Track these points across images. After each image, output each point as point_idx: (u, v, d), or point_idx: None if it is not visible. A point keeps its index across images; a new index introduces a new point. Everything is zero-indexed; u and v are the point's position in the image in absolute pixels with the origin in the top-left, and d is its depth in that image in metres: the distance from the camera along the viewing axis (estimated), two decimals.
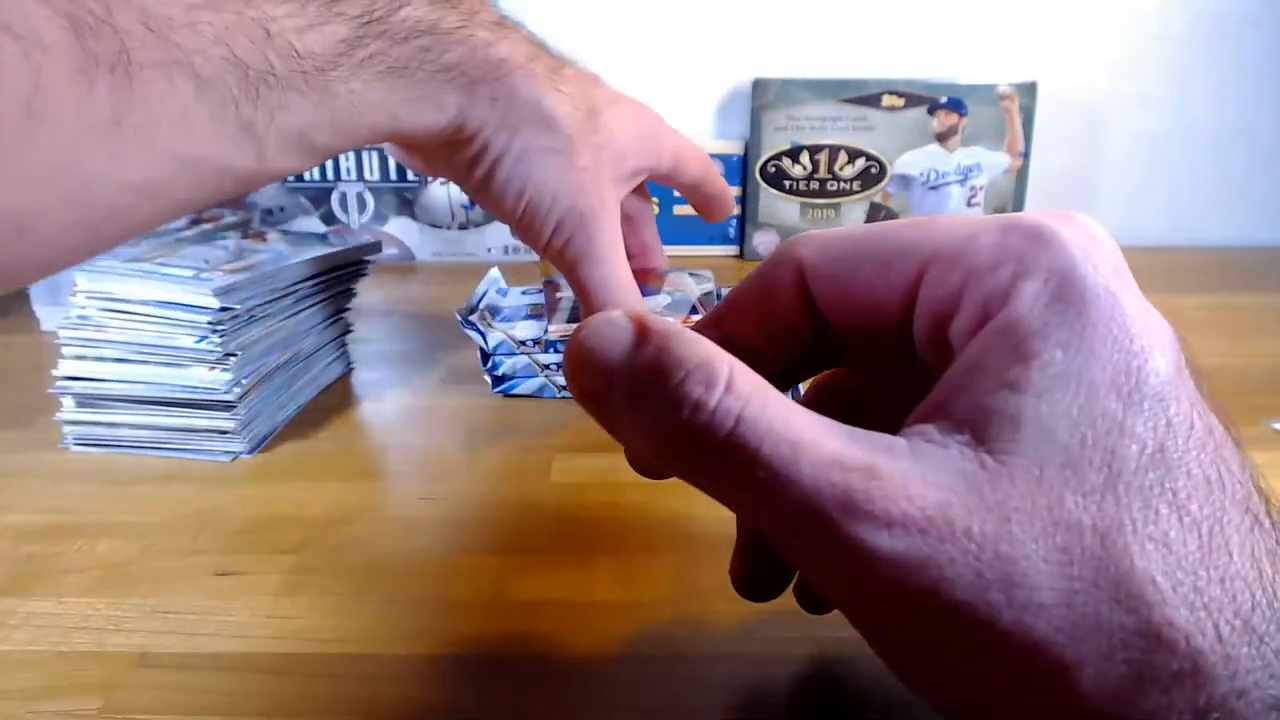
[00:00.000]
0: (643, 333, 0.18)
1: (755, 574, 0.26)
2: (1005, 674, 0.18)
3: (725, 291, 0.52)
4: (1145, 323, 0.20)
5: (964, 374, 0.20)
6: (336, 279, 0.49)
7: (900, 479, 0.18)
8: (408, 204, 0.78)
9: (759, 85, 0.76)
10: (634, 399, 0.18)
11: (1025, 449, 0.19)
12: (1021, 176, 0.76)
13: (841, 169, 0.77)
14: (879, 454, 0.18)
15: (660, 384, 0.18)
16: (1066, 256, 0.20)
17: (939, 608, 0.18)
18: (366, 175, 0.77)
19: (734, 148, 0.78)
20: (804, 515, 0.17)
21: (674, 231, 0.78)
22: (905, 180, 0.77)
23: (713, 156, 0.78)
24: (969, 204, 0.77)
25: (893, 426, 0.20)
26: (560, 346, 0.46)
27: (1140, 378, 0.19)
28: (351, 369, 0.52)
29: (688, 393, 0.17)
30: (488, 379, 0.48)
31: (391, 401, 0.48)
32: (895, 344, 0.23)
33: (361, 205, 0.78)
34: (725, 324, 0.24)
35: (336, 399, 0.48)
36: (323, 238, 0.70)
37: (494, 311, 0.49)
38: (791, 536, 0.18)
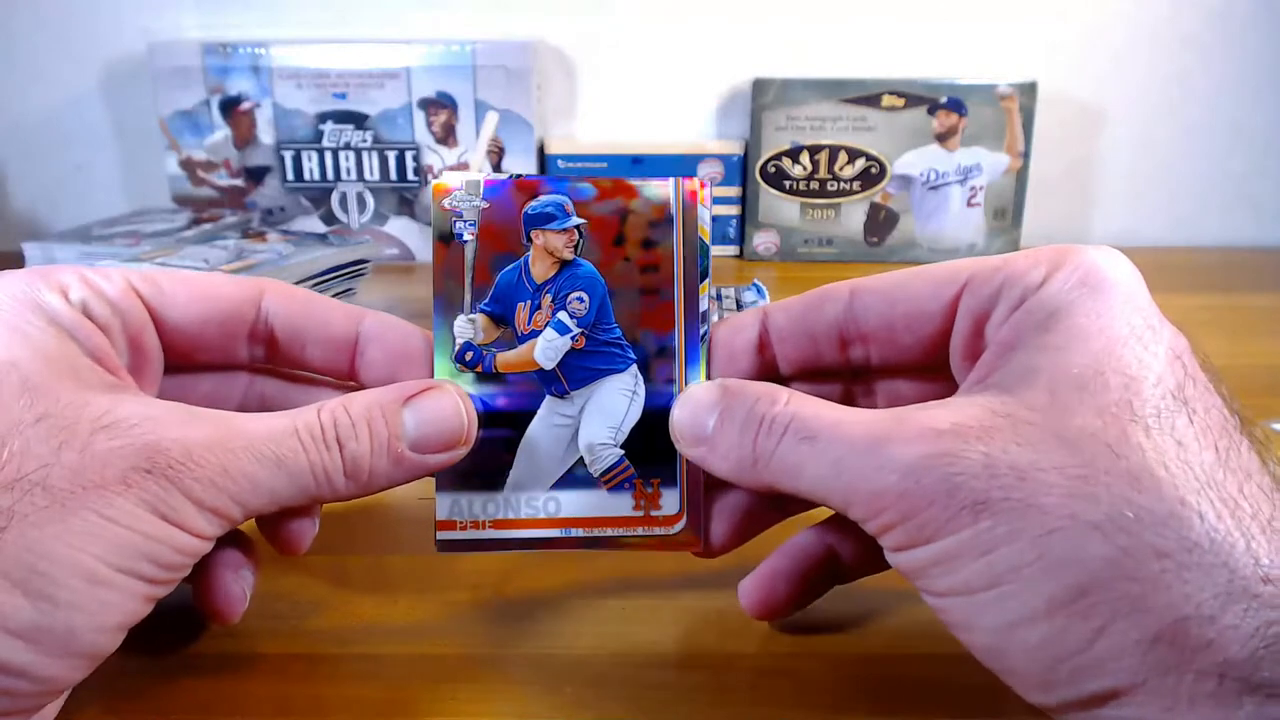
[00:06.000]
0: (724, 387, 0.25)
1: (790, 593, 0.27)
2: (1022, 541, 0.19)
3: (725, 291, 0.52)
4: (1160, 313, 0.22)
5: (996, 354, 0.23)
6: (336, 279, 0.49)
7: (921, 415, 0.21)
8: (408, 204, 0.78)
9: (759, 85, 0.76)
10: (724, 422, 0.24)
11: (1040, 383, 0.21)
12: (1021, 177, 0.76)
13: (841, 169, 0.77)
14: (907, 411, 0.22)
15: (742, 405, 0.24)
16: (1094, 254, 0.23)
17: (957, 499, 0.20)
18: (366, 175, 0.77)
19: (734, 148, 0.78)
20: (847, 457, 0.22)
21: None
22: (905, 180, 0.77)
23: (713, 156, 0.78)
24: (969, 204, 0.77)
25: None
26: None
27: (1158, 338, 0.21)
28: None
29: (765, 410, 0.23)
30: None
31: None
32: (921, 363, 0.26)
33: (361, 205, 0.78)
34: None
35: None
36: (323, 238, 0.70)
37: None
38: (837, 475, 0.22)
